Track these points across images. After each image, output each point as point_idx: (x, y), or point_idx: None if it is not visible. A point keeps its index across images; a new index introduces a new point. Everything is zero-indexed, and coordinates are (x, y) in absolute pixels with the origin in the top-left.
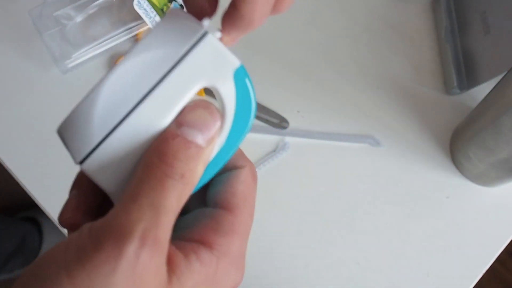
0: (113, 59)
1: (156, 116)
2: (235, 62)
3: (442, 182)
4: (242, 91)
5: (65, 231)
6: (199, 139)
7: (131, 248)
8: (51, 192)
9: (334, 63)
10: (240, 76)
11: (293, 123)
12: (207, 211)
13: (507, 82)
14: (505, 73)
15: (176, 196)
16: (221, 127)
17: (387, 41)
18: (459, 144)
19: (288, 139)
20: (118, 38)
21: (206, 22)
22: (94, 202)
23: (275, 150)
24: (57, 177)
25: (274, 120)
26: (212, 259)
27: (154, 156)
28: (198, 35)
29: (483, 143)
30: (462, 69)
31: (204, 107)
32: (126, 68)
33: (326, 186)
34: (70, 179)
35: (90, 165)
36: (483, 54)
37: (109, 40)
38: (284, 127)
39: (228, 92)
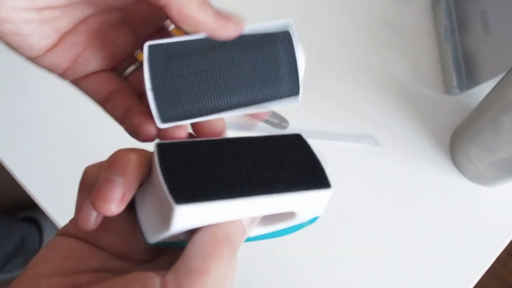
0: None
1: (245, 214)
2: (319, 214)
3: (442, 182)
4: (301, 225)
5: None
6: (248, 225)
7: None
8: (51, 192)
9: (334, 63)
10: (312, 221)
11: (293, 123)
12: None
13: (507, 82)
14: (505, 73)
15: (231, 269)
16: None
17: (387, 41)
18: (459, 144)
19: None
20: None
21: (328, 170)
22: (133, 192)
23: None
24: (57, 177)
25: (274, 120)
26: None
27: (222, 234)
28: (324, 185)
29: (483, 143)
30: (462, 69)
31: None
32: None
33: None
34: (70, 179)
35: (183, 212)
36: (483, 54)
37: None
38: (284, 127)
39: (297, 222)
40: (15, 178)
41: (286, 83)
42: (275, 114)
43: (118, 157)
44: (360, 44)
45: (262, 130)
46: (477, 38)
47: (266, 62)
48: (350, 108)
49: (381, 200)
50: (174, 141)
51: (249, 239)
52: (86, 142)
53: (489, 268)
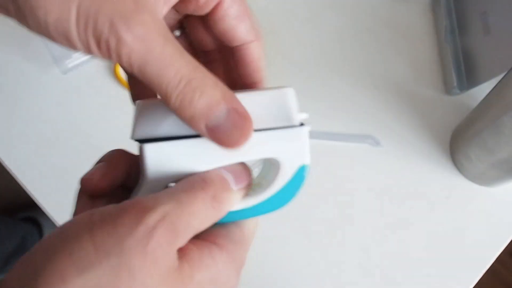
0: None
1: (220, 154)
2: (307, 160)
3: (442, 182)
4: (293, 184)
5: None
6: (232, 183)
7: (151, 220)
8: (51, 192)
9: (334, 63)
10: (301, 172)
11: None
12: (220, 223)
13: (507, 82)
14: (505, 73)
15: (203, 210)
16: (248, 188)
17: (387, 41)
18: (459, 144)
19: None
20: None
21: (304, 116)
22: (119, 178)
23: None
24: (57, 177)
25: None
26: (222, 259)
27: (197, 176)
28: (296, 122)
29: (483, 143)
30: (462, 69)
31: (244, 166)
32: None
33: (326, 186)
34: (70, 179)
35: (150, 150)
36: (483, 54)
37: None
38: None
39: (284, 175)
40: (15, 178)
41: None
42: None
43: (105, 154)
44: (360, 44)
45: None
46: (477, 38)
47: None
48: (350, 108)
49: (380, 200)
50: None
51: (242, 214)
52: (86, 142)
53: (489, 268)
